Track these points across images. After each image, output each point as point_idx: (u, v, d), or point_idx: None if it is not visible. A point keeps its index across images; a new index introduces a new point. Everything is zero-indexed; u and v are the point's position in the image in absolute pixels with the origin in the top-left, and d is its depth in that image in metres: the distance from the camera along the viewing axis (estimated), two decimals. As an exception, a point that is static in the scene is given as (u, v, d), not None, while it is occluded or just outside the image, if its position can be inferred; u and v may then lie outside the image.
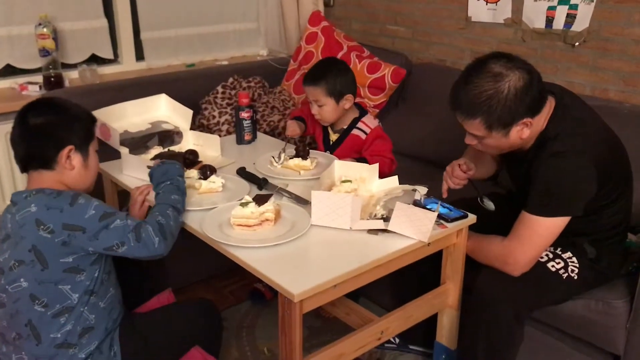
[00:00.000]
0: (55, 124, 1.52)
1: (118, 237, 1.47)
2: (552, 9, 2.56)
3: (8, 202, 1.53)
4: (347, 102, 2.14)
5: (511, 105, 1.57)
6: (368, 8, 3.38)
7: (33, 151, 1.52)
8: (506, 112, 1.58)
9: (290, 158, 2.06)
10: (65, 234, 1.43)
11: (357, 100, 2.38)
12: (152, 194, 1.80)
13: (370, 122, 2.19)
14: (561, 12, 2.53)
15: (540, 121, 1.66)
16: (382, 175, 1.88)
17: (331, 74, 2.11)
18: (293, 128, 2.25)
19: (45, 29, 2.64)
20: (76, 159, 1.55)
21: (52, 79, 2.69)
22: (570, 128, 1.65)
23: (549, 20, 2.58)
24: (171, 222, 1.57)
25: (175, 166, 1.75)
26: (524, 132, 1.63)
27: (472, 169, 1.89)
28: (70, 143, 1.53)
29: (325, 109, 2.13)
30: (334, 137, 2.26)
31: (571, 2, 2.49)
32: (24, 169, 1.55)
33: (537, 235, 1.65)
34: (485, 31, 2.86)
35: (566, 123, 1.66)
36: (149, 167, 1.82)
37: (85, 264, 1.49)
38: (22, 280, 1.45)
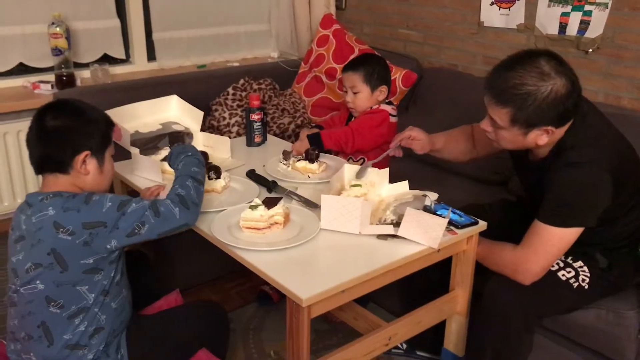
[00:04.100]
0: (73, 128, 1.50)
1: (137, 218, 1.46)
2: (565, 15, 2.54)
3: (19, 200, 1.53)
4: (381, 93, 2.21)
5: (545, 108, 1.55)
6: (380, 11, 3.38)
7: (48, 154, 1.50)
8: (537, 113, 1.56)
9: (297, 160, 2.06)
10: (86, 233, 1.42)
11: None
12: (162, 195, 1.80)
13: (383, 106, 2.24)
14: (575, 19, 2.52)
15: (561, 131, 1.64)
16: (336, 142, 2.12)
17: (371, 63, 2.21)
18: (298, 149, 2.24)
19: (58, 28, 2.65)
20: (92, 164, 1.53)
21: (64, 78, 2.71)
22: (588, 138, 1.63)
23: (562, 27, 2.57)
24: (191, 192, 1.54)
25: (193, 145, 1.77)
26: (542, 139, 1.61)
27: (419, 140, 2.03)
28: (87, 148, 1.51)
29: (360, 96, 2.20)
30: None
31: (585, 9, 2.47)
32: (39, 170, 1.53)
33: (549, 244, 1.63)
34: (497, 36, 2.84)
35: (583, 133, 1.64)
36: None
37: (104, 263, 1.48)
38: (37, 282, 1.44)
